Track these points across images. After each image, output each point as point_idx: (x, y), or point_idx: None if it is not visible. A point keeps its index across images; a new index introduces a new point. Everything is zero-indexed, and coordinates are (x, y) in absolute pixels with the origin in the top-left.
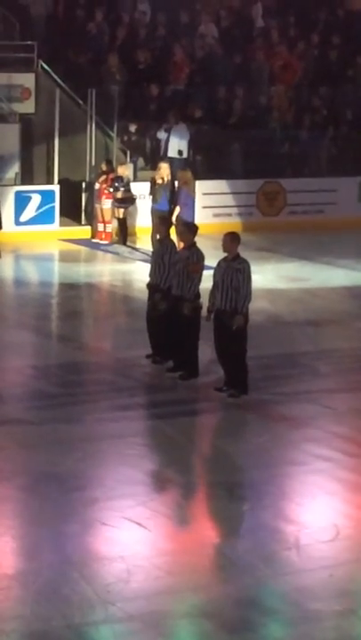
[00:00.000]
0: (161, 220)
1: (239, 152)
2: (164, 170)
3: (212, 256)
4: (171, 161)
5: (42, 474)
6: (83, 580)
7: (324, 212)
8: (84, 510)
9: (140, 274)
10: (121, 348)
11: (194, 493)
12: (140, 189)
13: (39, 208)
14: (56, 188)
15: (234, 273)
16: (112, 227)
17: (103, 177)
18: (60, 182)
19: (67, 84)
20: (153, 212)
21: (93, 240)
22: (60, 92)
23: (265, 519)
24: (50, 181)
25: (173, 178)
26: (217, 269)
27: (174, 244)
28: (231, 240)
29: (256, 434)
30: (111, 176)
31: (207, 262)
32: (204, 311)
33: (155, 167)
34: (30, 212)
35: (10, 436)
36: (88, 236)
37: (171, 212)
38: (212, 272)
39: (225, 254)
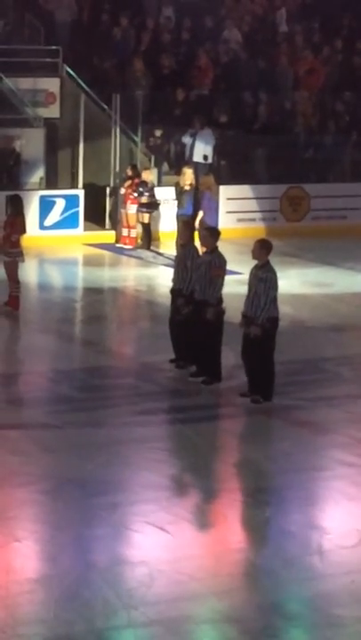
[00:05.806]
0: (184, 225)
1: (263, 157)
2: (189, 175)
3: (235, 261)
4: (195, 166)
5: (65, 478)
6: (105, 584)
7: (348, 218)
8: (106, 515)
9: (163, 279)
10: (144, 352)
11: (216, 498)
12: (165, 194)
13: (63, 212)
14: (80, 192)
15: (258, 282)
16: (136, 231)
17: (129, 182)
18: (84, 187)
19: (91, 89)
20: (178, 217)
21: (117, 245)
22: (85, 97)
23: (288, 524)
24: (74, 186)
25: (197, 183)
26: (249, 276)
27: (197, 248)
28: (260, 247)
29: (279, 439)
30: (137, 181)
31: (230, 267)
32: (227, 316)
33: (179, 172)
34: (55, 216)
35: (33, 440)
36: (112, 240)
37: (194, 217)
38: (234, 277)
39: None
